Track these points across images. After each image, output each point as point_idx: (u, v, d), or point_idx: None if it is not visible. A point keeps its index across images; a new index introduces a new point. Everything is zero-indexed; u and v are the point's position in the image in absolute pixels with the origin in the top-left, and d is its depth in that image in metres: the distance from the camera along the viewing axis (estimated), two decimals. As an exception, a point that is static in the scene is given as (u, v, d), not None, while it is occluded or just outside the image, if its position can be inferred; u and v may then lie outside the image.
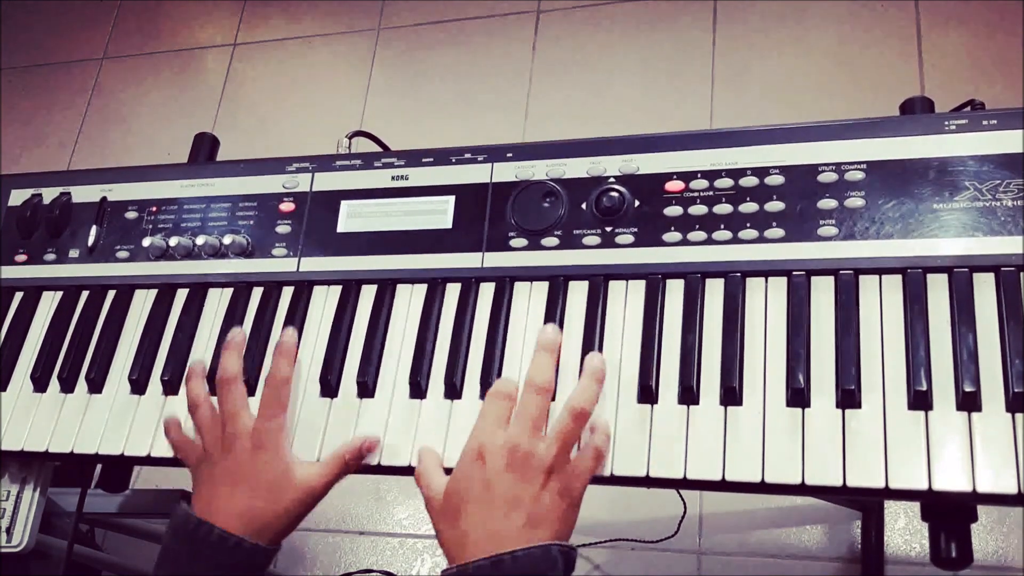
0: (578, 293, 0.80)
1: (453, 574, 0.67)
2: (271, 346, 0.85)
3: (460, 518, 0.69)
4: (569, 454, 0.70)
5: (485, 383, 0.77)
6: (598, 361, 0.74)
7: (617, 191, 0.81)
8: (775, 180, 0.78)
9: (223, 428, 0.77)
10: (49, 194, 1.01)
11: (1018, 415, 0.64)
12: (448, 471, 0.75)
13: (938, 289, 0.71)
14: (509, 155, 0.87)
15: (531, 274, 0.82)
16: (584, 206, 0.82)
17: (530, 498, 0.68)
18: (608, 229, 0.81)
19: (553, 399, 0.74)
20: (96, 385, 0.88)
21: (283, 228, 0.91)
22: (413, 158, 0.90)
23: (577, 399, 0.71)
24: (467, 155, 0.88)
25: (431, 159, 0.89)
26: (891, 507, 1.51)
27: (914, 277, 0.71)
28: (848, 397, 0.68)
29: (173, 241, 0.92)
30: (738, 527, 1.57)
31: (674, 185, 0.80)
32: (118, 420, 0.86)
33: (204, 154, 1.05)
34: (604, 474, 0.71)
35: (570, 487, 0.69)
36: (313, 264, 0.88)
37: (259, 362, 0.85)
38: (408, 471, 0.76)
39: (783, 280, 0.75)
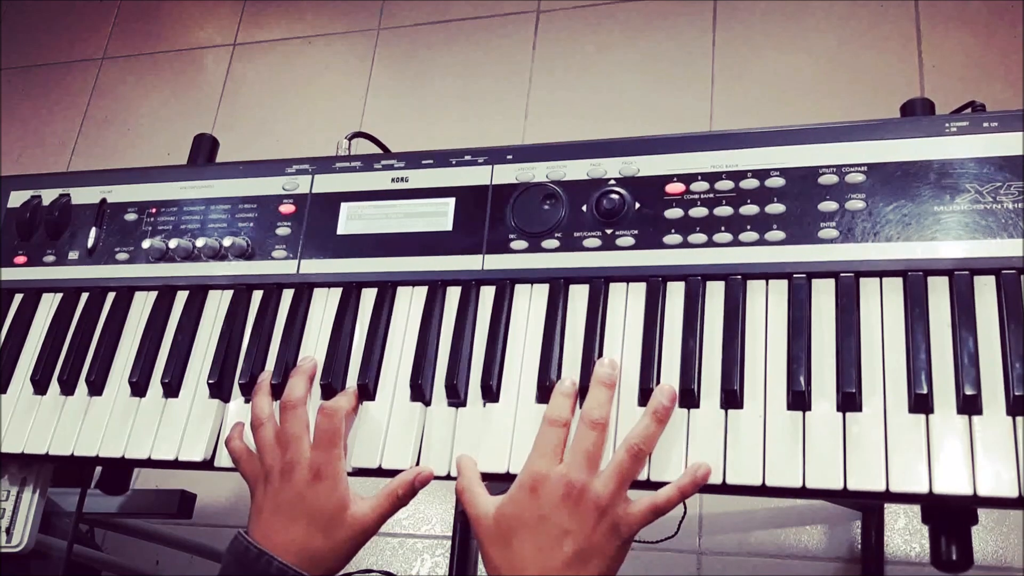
0: (579, 296, 0.80)
1: None
2: (272, 348, 0.85)
3: (511, 546, 0.69)
4: (625, 492, 0.69)
5: (486, 386, 0.77)
6: (665, 399, 0.71)
7: (617, 193, 0.81)
8: (776, 182, 0.78)
9: (283, 452, 0.77)
10: (49, 195, 1.01)
11: (1019, 418, 0.64)
12: (445, 477, 0.75)
13: (939, 292, 0.71)
14: (509, 157, 0.87)
15: (532, 276, 0.81)
16: (584, 208, 0.82)
17: (582, 534, 0.67)
18: (609, 231, 0.81)
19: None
20: (96, 387, 0.88)
21: (283, 230, 0.91)
22: (413, 160, 0.90)
23: (636, 437, 0.70)
24: (467, 157, 0.88)
25: (431, 161, 0.89)
26: (891, 507, 1.51)
27: (915, 280, 0.71)
28: (849, 400, 0.68)
29: (173, 243, 0.92)
30: (738, 527, 1.57)
31: (675, 187, 0.80)
32: (119, 423, 0.86)
33: (203, 155, 1.05)
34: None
35: (620, 528, 0.68)
36: (313, 266, 0.88)
37: (260, 365, 0.85)
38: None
39: (784, 283, 0.75)
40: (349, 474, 0.77)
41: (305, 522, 0.74)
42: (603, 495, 0.68)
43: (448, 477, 0.76)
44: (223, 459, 0.82)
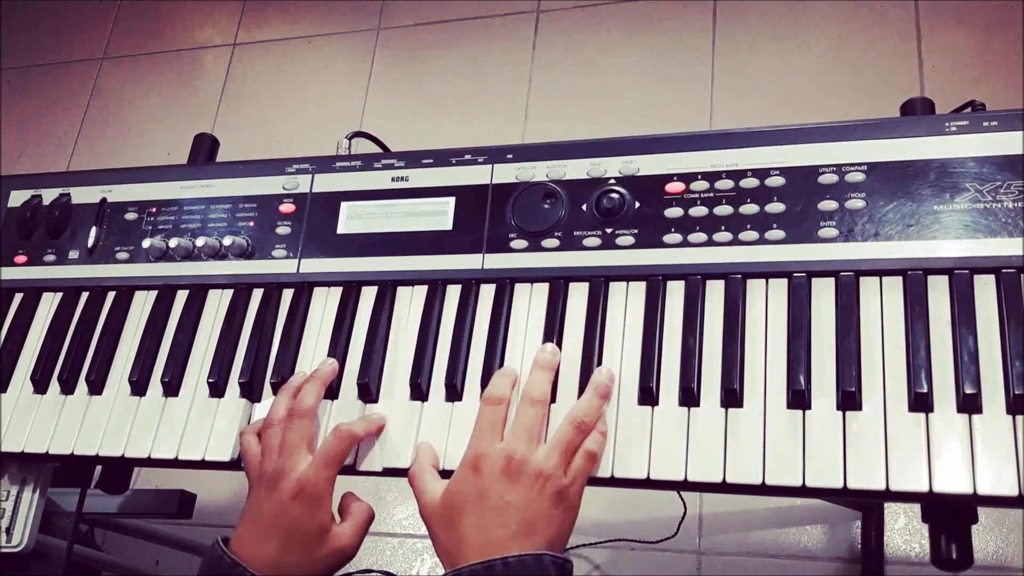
0: (579, 294, 0.80)
1: None
2: (273, 348, 0.85)
3: (456, 525, 0.69)
4: (567, 463, 0.70)
5: (486, 385, 0.77)
6: (604, 377, 0.74)
7: (617, 192, 0.81)
8: (776, 181, 0.78)
9: (278, 460, 0.76)
10: (49, 195, 1.01)
11: (1018, 417, 0.64)
12: (442, 473, 0.75)
13: (939, 290, 0.71)
14: (509, 156, 0.87)
15: (531, 275, 0.81)
16: (584, 207, 0.82)
17: (524, 505, 0.68)
18: (608, 230, 0.81)
19: (554, 401, 0.74)
20: (96, 386, 0.88)
21: (283, 229, 0.91)
22: (413, 159, 0.90)
23: (578, 410, 0.71)
24: (467, 156, 0.88)
25: (431, 160, 0.89)
26: (891, 507, 1.51)
27: (915, 279, 0.71)
28: (849, 399, 0.68)
29: (173, 242, 0.92)
30: (738, 527, 1.57)
31: (675, 186, 0.80)
32: (118, 422, 0.86)
33: (204, 155, 1.05)
34: (605, 475, 0.71)
35: (565, 493, 0.69)
36: (313, 265, 0.88)
37: (260, 364, 0.85)
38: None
39: (784, 282, 0.75)
40: (349, 472, 0.77)
41: (280, 538, 0.73)
42: (545, 465, 0.69)
43: (442, 473, 0.76)
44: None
